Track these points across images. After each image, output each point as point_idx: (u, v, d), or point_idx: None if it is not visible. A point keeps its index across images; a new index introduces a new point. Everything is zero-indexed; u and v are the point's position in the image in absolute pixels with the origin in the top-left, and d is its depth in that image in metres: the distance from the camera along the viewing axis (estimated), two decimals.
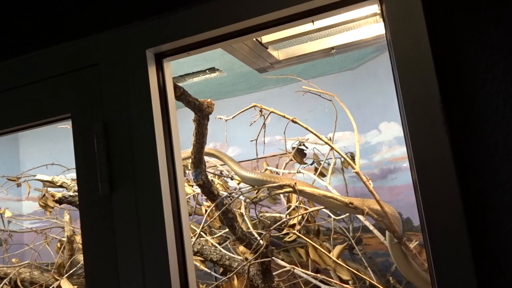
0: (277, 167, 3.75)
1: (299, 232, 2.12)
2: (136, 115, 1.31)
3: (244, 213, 2.79)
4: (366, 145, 4.58)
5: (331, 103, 3.39)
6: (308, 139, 3.86)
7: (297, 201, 2.75)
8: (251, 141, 2.46)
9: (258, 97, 5.73)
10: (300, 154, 3.58)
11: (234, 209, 2.80)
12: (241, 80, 4.61)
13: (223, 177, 3.44)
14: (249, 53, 2.25)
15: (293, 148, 3.71)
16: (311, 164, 4.13)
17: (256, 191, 2.93)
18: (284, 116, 2.12)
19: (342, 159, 3.81)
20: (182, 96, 1.79)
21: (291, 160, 3.40)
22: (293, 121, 2.05)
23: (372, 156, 4.54)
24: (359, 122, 4.01)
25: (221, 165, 3.65)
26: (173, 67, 3.86)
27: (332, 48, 2.34)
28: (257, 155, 2.55)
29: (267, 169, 3.44)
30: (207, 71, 4.19)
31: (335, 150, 2.06)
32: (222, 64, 4.10)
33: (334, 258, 1.97)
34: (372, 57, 4.44)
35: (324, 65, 4.39)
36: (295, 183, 1.97)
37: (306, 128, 2.05)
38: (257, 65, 2.47)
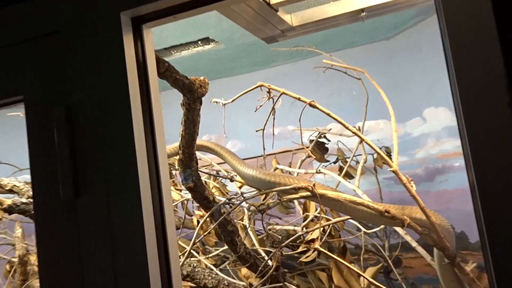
0: (290, 166, 3.75)
1: (320, 250, 2.12)
2: (108, 98, 1.31)
3: (247, 226, 2.80)
4: (406, 138, 4.57)
5: (360, 82, 3.38)
6: (330, 129, 3.86)
7: (316, 210, 2.76)
8: (257, 131, 2.46)
9: (266, 75, 5.72)
10: (320, 149, 3.59)
11: (235, 220, 2.81)
12: (243, 54, 4.59)
13: (220, 179, 3.46)
14: (253, 18, 2.24)
15: (311, 141, 3.71)
16: (335, 162, 4.13)
17: (263, 196, 2.94)
18: (299, 99, 2.12)
19: (375, 155, 3.81)
20: (167, 73, 1.79)
21: (309, 156, 3.41)
22: (311, 105, 2.05)
23: (415, 151, 4.54)
24: (397, 107, 3.98)
25: (218, 163, 3.65)
26: (157, 37, 3.85)
27: (362, 10, 2.33)
28: (264, 150, 2.55)
29: (277, 168, 3.45)
30: (199, 42, 4.19)
31: (367, 143, 2.05)
32: (218, 34, 4.08)
33: (366, 283, 1.98)
34: (413, 23, 4.43)
35: (351, 33, 4.38)
36: (314, 186, 1.97)
37: (328, 115, 2.05)
38: (264, 34, 2.47)
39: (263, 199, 2.82)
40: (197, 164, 2.25)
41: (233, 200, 2.32)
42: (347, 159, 3.94)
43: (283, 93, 2.16)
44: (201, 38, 3.97)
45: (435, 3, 1.10)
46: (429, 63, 4.49)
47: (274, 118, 2.42)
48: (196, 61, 4.51)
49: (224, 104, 2.46)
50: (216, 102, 2.47)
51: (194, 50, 4.21)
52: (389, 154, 3.92)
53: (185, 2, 1.34)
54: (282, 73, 5.26)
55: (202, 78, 2.00)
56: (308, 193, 1.96)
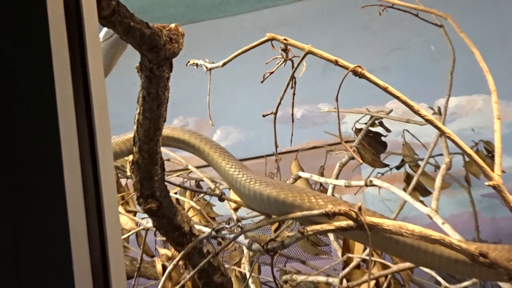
0: (321, 174, 3.75)
1: None
2: (20, 61, 1.34)
3: (248, 274, 2.82)
4: None
5: (441, 31, 3.38)
6: (391, 111, 3.86)
7: (364, 250, 2.75)
8: (265, 116, 2.48)
9: (278, 17, 5.64)
10: (373, 144, 3.61)
11: (227, 266, 2.83)
12: None
13: (202, 195, 3.47)
14: None
15: (358, 131, 3.70)
16: (398, 168, 4.12)
17: (275, 226, 2.93)
18: (336, 63, 2.14)
19: (466, 157, 3.82)
20: (114, 17, 1.82)
21: (353, 158, 3.42)
22: (356, 73, 2.07)
23: None
24: (504, 76, 4.03)
25: (198, 166, 3.65)
26: None
27: None
28: (276, 147, 2.56)
29: (299, 178, 3.47)
30: None
31: (449, 138, 2.07)
32: None
33: None
34: None
35: None
36: (360, 210, 1.99)
37: (386, 90, 2.06)
38: None
39: (275, 231, 2.86)
40: (163, 169, 2.27)
41: (223, 231, 2.34)
42: (419, 163, 3.94)
43: (309, 52, 2.18)
44: None
45: None
46: None
47: (294, 93, 2.45)
48: None
49: (210, 69, 2.48)
50: (196, 65, 2.50)
51: None
52: (491, 154, 3.93)
53: None
54: (306, 13, 5.26)
55: (173, 26, 2.03)
56: (351, 223, 1.98)
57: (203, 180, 3.61)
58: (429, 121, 2.07)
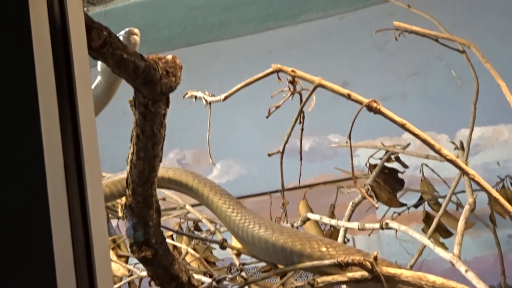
0: (332, 213, 3.74)
1: None
2: (4, 95, 1.36)
3: None
4: None
5: (463, 57, 3.39)
6: (408, 144, 3.86)
7: None
8: (270, 155, 2.50)
9: (287, 38, 5.66)
10: (389, 181, 3.61)
11: None
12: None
13: (200, 241, 3.46)
14: None
15: (373, 166, 3.70)
16: (416, 206, 4.10)
17: (280, 276, 2.93)
18: (349, 97, 2.17)
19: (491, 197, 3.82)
20: (106, 49, 1.84)
21: (367, 196, 3.42)
22: (371, 108, 2.09)
23: None
24: None
25: (193, 205, 3.64)
26: None
27: None
28: (283, 190, 2.56)
29: (308, 220, 3.47)
30: None
31: (468, 176, 2.09)
32: None
33: None
34: None
35: None
36: (375, 259, 2.00)
37: (403, 127, 2.08)
38: None
39: (281, 277, 2.86)
40: (158, 214, 2.28)
41: (225, 282, 2.35)
42: (439, 200, 3.94)
43: (319, 85, 2.21)
44: None
45: None
46: None
47: (302, 128, 2.47)
48: (157, 13, 4.57)
49: (210, 103, 2.50)
50: (195, 98, 2.52)
51: None
52: None
53: None
54: (316, 34, 5.26)
55: (170, 57, 2.04)
56: (365, 274, 1.99)
57: (201, 220, 3.60)
58: (451, 161, 2.09)
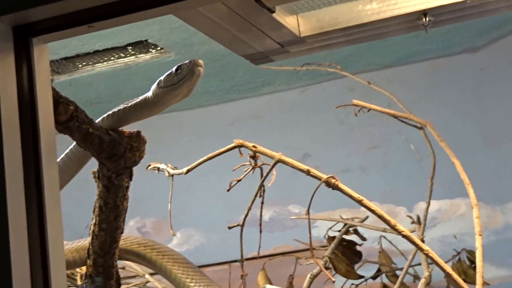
0: (291, 284, 3.74)
1: None
2: None
3: None
4: (508, 233, 4.60)
5: (421, 133, 3.45)
6: (366, 217, 3.89)
7: None
8: (230, 228, 2.53)
9: (247, 111, 5.65)
10: (347, 253, 3.63)
11: None
12: (210, 70, 4.69)
13: None
14: (230, 23, 2.35)
15: (331, 238, 3.72)
16: (374, 278, 4.11)
17: None
18: (308, 173, 2.21)
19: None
20: (72, 123, 1.88)
21: (323, 270, 3.44)
22: (328, 184, 2.14)
23: None
24: (488, 178, 4.13)
25: (152, 274, 3.61)
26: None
27: (424, 14, 2.46)
28: (242, 256, 2.57)
29: None
30: (129, 48, 4.25)
31: (422, 252, 2.14)
32: (164, 35, 4.14)
33: None
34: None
35: (405, 41, 4.48)
36: None
37: (360, 203, 2.14)
38: (248, 49, 2.57)
39: None
40: (119, 284, 2.28)
41: None
42: (396, 272, 3.96)
43: (279, 161, 2.25)
44: (134, 41, 4.06)
45: None
46: None
47: (262, 202, 2.50)
48: (121, 82, 4.59)
49: (171, 175, 2.52)
50: (158, 169, 2.54)
51: (121, 62, 4.29)
52: (474, 264, 3.97)
53: (112, 3, 1.44)
54: (278, 106, 5.29)
55: (134, 132, 2.09)
56: None
57: None
58: (406, 237, 2.14)
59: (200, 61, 2.10)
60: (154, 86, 2.17)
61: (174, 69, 2.08)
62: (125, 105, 2.15)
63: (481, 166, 4.32)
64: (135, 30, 3.90)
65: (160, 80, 2.10)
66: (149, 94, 2.15)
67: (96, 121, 2.05)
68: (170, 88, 2.10)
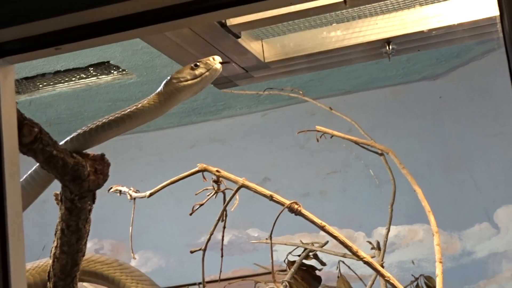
0: None
1: None
2: None
3: None
4: (464, 260, 4.66)
5: (382, 159, 3.49)
6: (326, 242, 3.91)
7: None
8: (192, 252, 2.53)
9: (208, 134, 5.66)
10: (307, 278, 3.64)
11: None
12: None
13: None
14: (195, 46, 2.37)
15: (291, 263, 3.73)
16: None
17: None
18: (271, 198, 2.23)
19: None
20: (36, 145, 1.87)
21: None
22: (291, 210, 2.16)
23: (480, 284, 4.65)
24: (447, 204, 4.17)
25: None
26: None
27: (387, 42, 2.50)
28: (203, 280, 2.57)
29: None
30: (91, 69, 4.25)
31: (383, 278, 2.17)
32: (126, 57, 4.17)
33: None
34: (478, 53, 4.64)
35: (366, 68, 4.53)
36: None
37: (323, 229, 2.16)
38: None
39: None
40: None
41: None
42: None
43: (243, 185, 2.26)
44: (96, 62, 4.07)
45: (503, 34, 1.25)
46: (508, 121, 4.67)
47: (224, 226, 2.51)
48: (81, 103, 4.59)
49: (134, 198, 2.52)
50: (120, 192, 2.54)
51: (82, 83, 4.29)
52: None
53: (79, 26, 1.45)
54: (239, 130, 5.32)
55: (98, 154, 2.09)
56: None
57: None
58: (368, 264, 2.16)
59: (220, 59, 2.09)
60: (163, 84, 2.18)
61: (192, 64, 2.08)
62: (105, 119, 2.14)
63: (439, 193, 4.38)
64: (97, 51, 3.89)
65: (172, 77, 2.10)
66: (160, 90, 2.19)
67: (61, 143, 2.05)
68: (189, 84, 2.10)
